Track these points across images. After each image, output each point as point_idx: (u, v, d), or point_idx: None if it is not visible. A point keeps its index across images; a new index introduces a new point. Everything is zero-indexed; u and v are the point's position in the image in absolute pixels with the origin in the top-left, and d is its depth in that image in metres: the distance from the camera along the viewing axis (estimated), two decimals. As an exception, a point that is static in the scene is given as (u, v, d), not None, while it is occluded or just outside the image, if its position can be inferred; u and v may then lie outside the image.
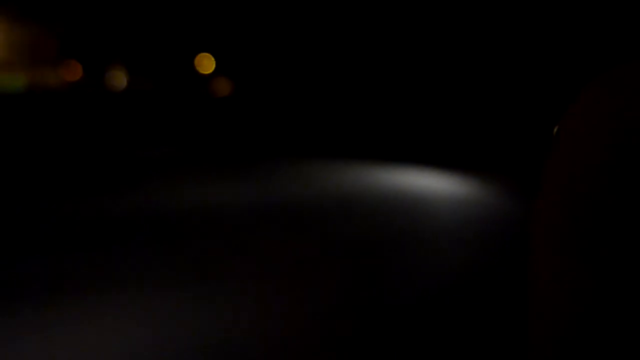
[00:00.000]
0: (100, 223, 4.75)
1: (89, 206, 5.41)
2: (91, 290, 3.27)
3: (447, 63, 14.69)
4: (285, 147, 10.82)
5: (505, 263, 3.96)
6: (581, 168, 0.32)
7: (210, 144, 11.23)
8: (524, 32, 12.32)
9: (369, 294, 3.39)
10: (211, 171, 7.46)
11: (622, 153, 0.30)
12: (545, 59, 11.74)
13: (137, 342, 2.68)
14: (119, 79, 37.57)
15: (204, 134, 13.19)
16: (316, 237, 4.59)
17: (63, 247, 4.16)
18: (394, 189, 6.58)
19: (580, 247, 0.32)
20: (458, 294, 3.39)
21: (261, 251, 4.19)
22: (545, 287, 0.34)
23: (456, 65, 14.40)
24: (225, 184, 6.82)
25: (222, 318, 2.94)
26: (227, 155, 9.52)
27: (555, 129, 0.39)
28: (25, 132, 12.42)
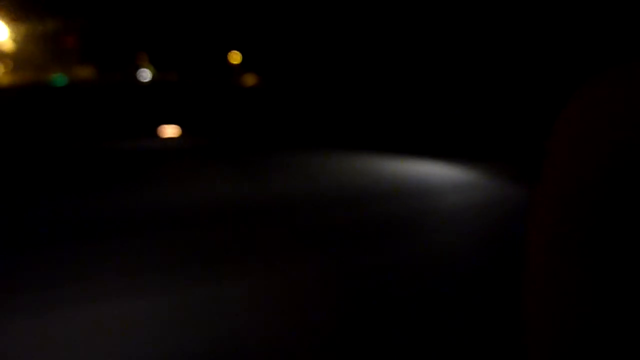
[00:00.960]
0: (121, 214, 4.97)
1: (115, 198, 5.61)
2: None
3: (449, 56, 14.68)
4: (302, 138, 11.07)
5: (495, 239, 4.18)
6: (577, 168, 0.32)
7: (230, 133, 11.55)
8: (526, 24, 12.21)
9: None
10: (231, 163, 7.66)
11: (618, 153, 0.30)
12: (549, 51, 11.65)
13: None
14: (145, 73, 38.79)
15: (225, 123, 13.56)
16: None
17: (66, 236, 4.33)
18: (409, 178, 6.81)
19: (578, 246, 0.31)
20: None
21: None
22: (542, 286, 0.34)
23: (459, 58, 14.37)
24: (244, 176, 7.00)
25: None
26: (248, 144, 9.83)
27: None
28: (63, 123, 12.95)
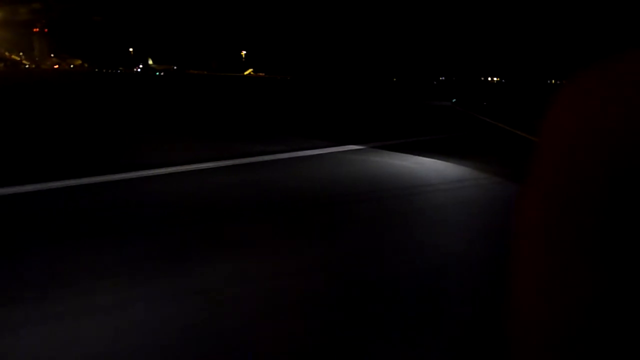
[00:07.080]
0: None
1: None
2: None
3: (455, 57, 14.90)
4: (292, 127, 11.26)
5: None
6: (568, 163, 0.31)
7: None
8: (524, 26, 12.33)
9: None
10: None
11: (610, 147, 0.29)
12: (545, 50, 11.80)
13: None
14: (142, 65, 50.97)
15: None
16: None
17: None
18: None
19: (568, 243, 0.30)
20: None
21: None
22: (531, 285, 0.33)
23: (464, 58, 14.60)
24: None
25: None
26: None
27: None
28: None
